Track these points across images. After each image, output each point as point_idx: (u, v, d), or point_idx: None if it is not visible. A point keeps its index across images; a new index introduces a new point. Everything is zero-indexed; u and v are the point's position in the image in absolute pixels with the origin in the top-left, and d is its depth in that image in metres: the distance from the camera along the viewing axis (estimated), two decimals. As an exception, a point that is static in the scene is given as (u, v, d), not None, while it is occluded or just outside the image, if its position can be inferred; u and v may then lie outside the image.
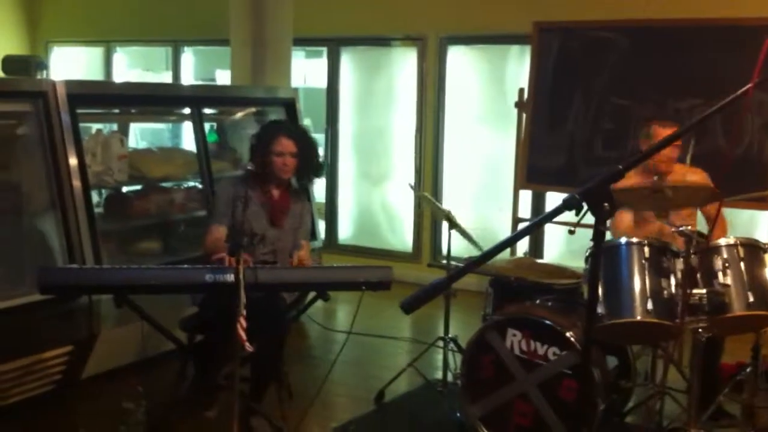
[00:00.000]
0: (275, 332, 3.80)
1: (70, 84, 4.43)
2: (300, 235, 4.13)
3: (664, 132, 4.15)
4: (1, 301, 3.99)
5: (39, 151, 4.33)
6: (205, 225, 4.06)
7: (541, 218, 1.73)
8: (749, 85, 1.92)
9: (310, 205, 4.24)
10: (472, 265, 1.79)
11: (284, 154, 4.00)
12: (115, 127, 5.41)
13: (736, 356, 4.27)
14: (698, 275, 3.32)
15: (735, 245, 3.40)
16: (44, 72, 6.71)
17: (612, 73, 5.56)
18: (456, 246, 4.48)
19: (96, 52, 9.01)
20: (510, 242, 1.94)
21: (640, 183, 3.77)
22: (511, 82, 6.63)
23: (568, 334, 3.56)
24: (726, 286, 3.32)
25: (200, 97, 5.62)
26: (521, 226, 5.93)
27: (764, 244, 3.47)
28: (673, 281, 3.36)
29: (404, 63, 7.23)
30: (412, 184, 4.81)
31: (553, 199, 6.25)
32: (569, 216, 1.82)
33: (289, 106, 5.97)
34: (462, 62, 7.00)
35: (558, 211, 1.70)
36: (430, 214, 6.99)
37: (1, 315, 3.94)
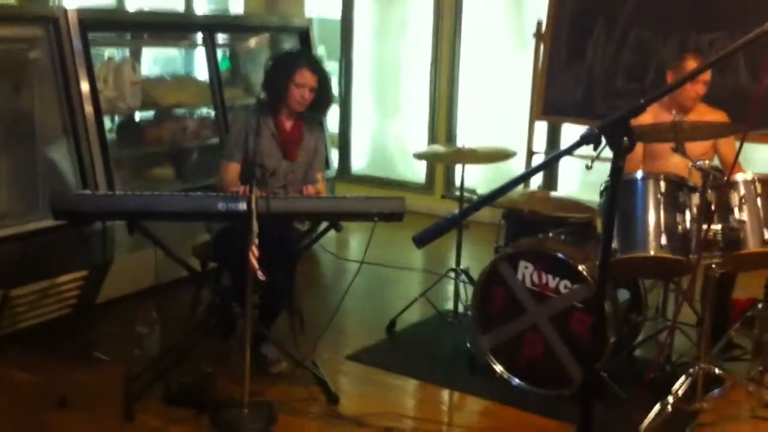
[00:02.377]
0: (286, 261, 3.81)
1: (81, 10, 4.38)
2: (316, 167, 4.08)
3: (694, 64, 4.03)
4: (16, 226, 4.02)
5: (51, 77, 4.31)
6: (219, 160, 4.02)
7: (558, 153, 1.70)
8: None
9: (324, 136, 4.17)
10: (486, 200, 1.77)
11: (304, 87, 3.88)
12: (127, 53, 5.37)
13: (748, 292, 4.27)
14: (714, 211, 3.29)
15: (753, 181, 3.35)
16: (57, -1, 6.61)
17: (634, 5, 5.43)
18: (469, 178, 4.45)
19: (108, -24, 8.88)
20: (527, 176, 1.92)
21: (659, 121, 3.71)
22: (529, 12, 6.50)
23: (580, 268, 3.56)
24: (742, 222, 3.29)
25: (213, 25, 5.55)
26: (536, 158, 5.89)
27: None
28: (688, 216, 3.34)
29: (421, -9, 7.09)
30: (418, 152, 4.75)
31: (569, 131, 6.18)
32: (586, 150, 1.79)
33: (303, 35, 5.89)
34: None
35: (576, 145, 1.67)
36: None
37: (16, 240, 3.97)
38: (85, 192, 4.03)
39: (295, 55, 4.45)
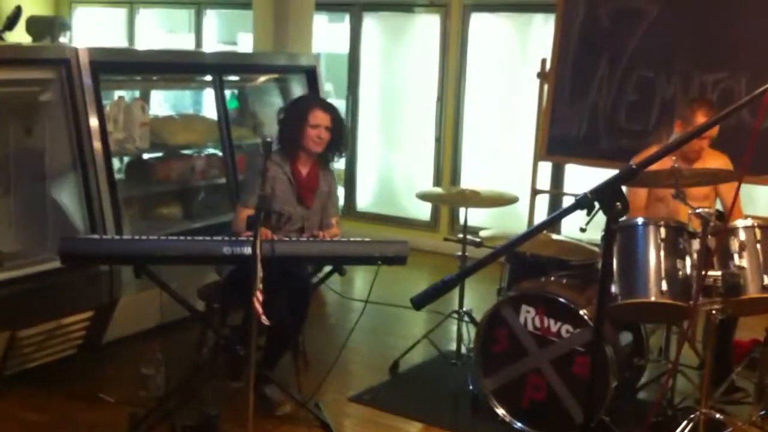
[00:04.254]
0: (298, 304, 3.84)
1: (93, 51, 4.44)
2: (330, 213, 4.16)
3: (704, 120, 3.98)
4: (24, 268, 4.07)
5: (61, 118, 4.37)
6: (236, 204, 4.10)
7: (553, 216, 1.75)
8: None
9: (335, 180, 4.27)
10: (487, 259, 1.81)
11: (320, 127, 3.97)
12: (137, 93, 5.44)
13: (750, 332, 4.28)
14: (714, 257, 3.32)
15: (752, 227, 3.39)
16: (68, 33, 6.71)
17: (638, 44, 5.47)
18: (474, 216, 4.48)
19: (119, 13, 9.01)
20: (528, 236, 1.94)
21: (660, 167, 3.74)
22: (534, 50, 6.56)
23: (581, 312, 3.59)
24: (741, 268, 3.32)
25: (222, 65, 5.62)
26: (540, 198, 5.92)
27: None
28: (688, 262, 3.37)
29: (427, 29, 7.18)
30: (420, 193, 4.78)
31: (573, 169, 6.22)
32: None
33: (311, 74, 5.96)
34: (485, 29, 6.94)
35: (570, 210, 1.71)
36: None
37: (24, 281, 4.01)
38: (92, 237, 4.07)
39: (305, 98, 4.54)
